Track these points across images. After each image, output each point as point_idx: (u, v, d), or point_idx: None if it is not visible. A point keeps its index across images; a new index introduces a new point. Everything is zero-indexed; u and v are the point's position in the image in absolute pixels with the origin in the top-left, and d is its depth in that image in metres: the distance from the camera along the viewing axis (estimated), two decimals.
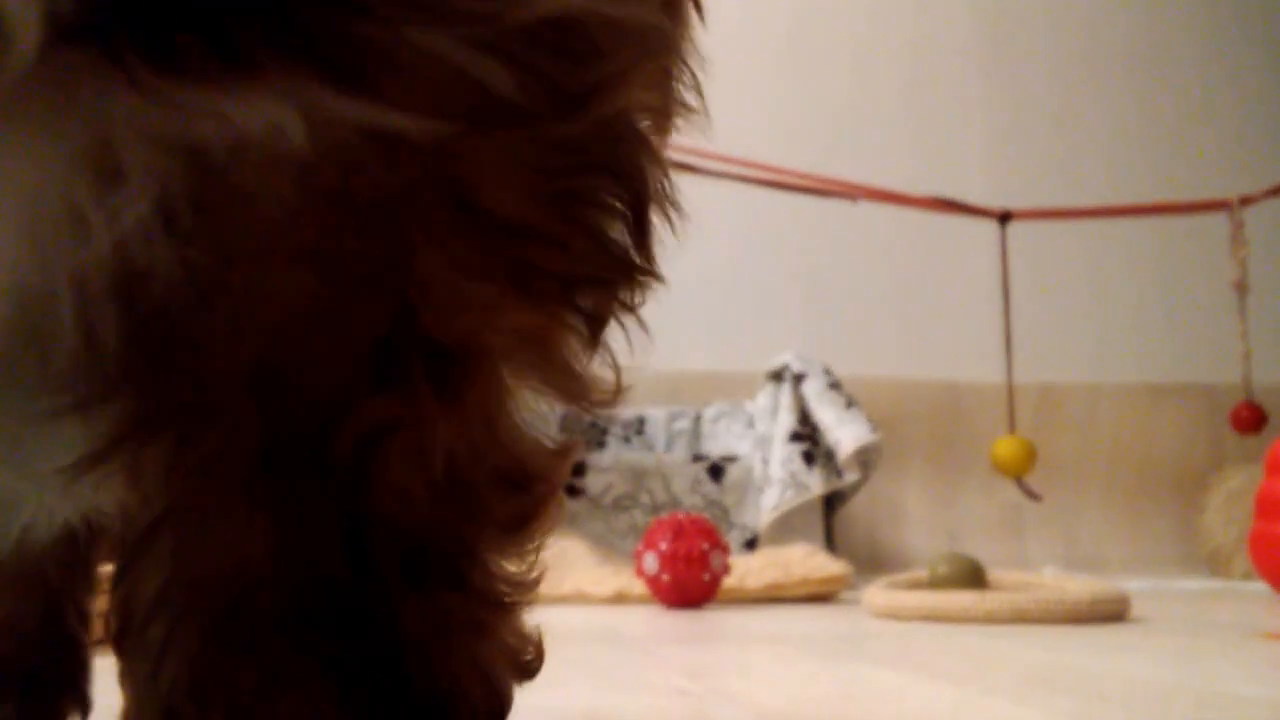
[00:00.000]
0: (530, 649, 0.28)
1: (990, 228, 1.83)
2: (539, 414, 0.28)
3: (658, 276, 0.27)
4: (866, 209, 1.93)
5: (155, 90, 0.19)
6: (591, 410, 0.28)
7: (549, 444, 0.28)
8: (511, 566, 0.27)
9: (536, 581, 0.28)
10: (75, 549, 0.45)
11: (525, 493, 0.27)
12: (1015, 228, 1.82)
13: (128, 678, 0.25)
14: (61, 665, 0.47)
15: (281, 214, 0.22)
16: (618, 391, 0.28)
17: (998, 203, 1.85)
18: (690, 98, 0.29)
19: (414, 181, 0.22)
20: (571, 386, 0.27)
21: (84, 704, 0.47)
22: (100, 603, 0.32)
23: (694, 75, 0.29)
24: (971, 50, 2.40)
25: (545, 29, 0.22)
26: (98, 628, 0.47)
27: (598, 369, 0.28)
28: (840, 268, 2.28)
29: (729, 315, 2.22)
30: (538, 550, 0.28)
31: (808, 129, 2.28)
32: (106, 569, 0.36)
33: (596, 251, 0.25)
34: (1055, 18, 2.45)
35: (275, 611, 0.23)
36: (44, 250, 0.20)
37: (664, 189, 0.27)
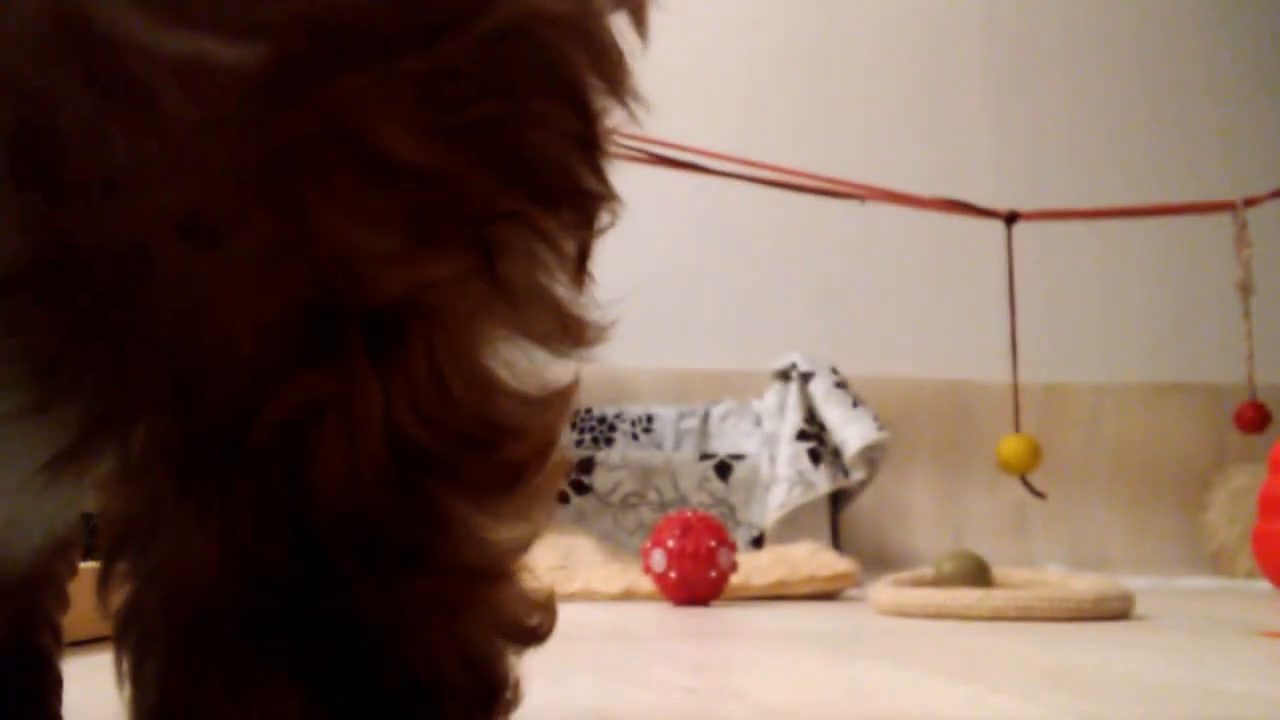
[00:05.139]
0: (536, 613, 0.26)
1: (997, 228, 1.83)
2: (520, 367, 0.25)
3: (608, 195, 0.24)
4: (874, 209, 1.94)
5: None
6: (577, 353, 0.25)
7: (531, 394, 0.25)
8: (505, 532, 0.25)
9: (527, 544, 0.26)
10: (45, 560, 0.44)
11: (500, 451, 0.24)
12: (1022, 228, 1.82)
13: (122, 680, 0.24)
14: (31, 681, 0.45)
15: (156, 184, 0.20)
16: (602, 332, 0.26)
17: (1005, 203, 1.85)
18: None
19: (301, 135, 0.20)
20: (548, 325, 0.25)
21: None
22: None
23: None
24: (980, 53, 2.40)
25: None
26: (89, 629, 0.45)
27: (583, 309, 0.25)
28: (848, 268, 2.28)
29: (737, 315, 2.22)
30: (541, 509, 0.26)
31: (817, 130, 2.29)
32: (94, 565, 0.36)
33: (518, 181, 0.23)
34: (1063, 21, 2.45)
35: (233, 618, 0.22)
36: None
37: (597, 95, 0.23)
